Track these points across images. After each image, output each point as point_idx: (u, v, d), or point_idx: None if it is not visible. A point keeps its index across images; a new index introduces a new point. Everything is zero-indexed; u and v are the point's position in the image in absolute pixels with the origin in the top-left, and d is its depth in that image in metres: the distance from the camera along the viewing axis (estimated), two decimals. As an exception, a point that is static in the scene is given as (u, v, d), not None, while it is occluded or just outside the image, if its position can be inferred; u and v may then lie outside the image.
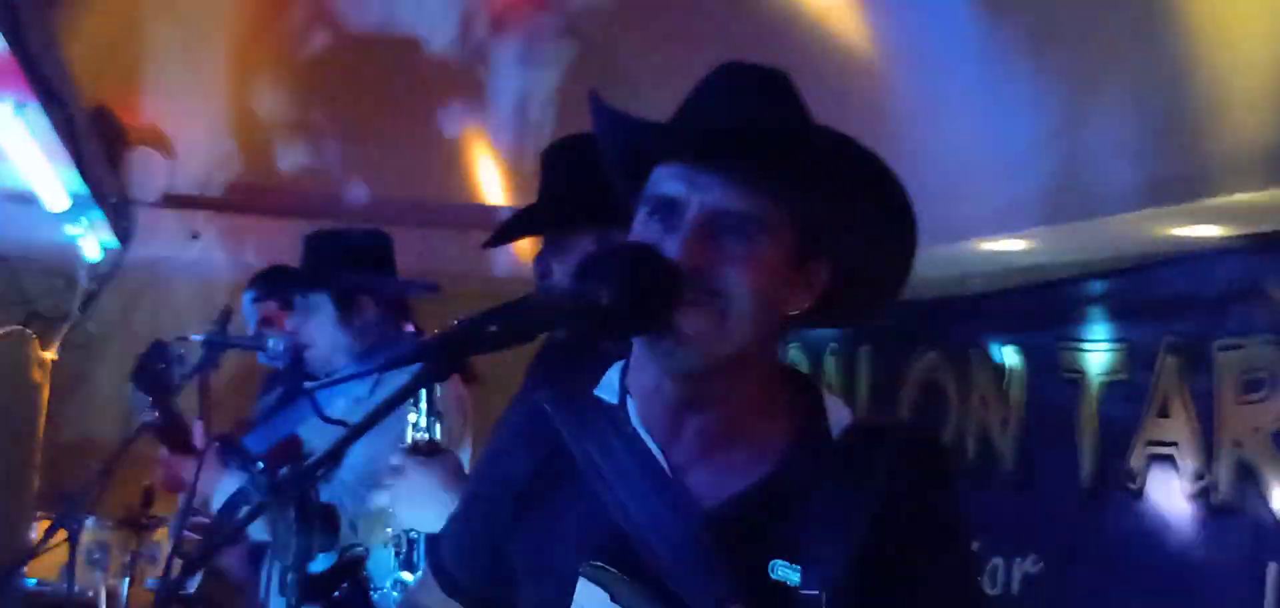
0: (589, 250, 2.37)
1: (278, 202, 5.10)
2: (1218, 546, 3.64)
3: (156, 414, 3.32)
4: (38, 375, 5.57)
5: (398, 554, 2.41)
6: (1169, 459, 3.85)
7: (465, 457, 2.94)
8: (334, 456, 1.42)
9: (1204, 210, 3.39)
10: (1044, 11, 3.49)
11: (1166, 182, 3.32)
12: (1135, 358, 4.02)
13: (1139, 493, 3.94)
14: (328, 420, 2.90)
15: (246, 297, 4.20)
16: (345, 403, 3.10)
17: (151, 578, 4.87)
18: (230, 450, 3.18)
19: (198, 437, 3.33)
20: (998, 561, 4.34)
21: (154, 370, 3.34)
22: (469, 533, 1.73)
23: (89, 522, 4.66)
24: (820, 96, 1.61)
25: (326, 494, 2.70)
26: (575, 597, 1.50)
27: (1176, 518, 3.81)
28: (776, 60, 1.58)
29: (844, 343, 4.90)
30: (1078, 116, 3.45)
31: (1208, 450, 3.70)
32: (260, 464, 2.80)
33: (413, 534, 2.38)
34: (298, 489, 1.71)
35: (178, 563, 3.22)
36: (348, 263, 3.29)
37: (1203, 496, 3.71)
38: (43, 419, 5.64)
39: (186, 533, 3.24)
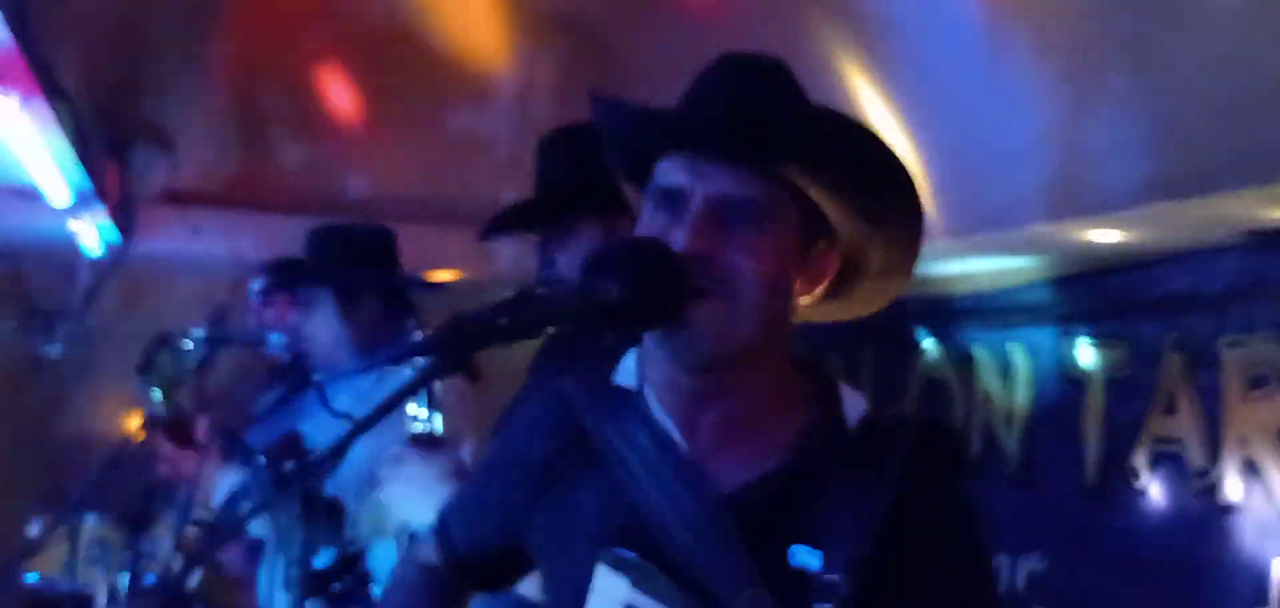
0: (592, 240, 2.37)
1: (280, 197, 5.10)
2: (1223, 542, 3.63)
3: (163, 407, 3.33)
4: (38, 371, 5.56)
5: (399, 549, 2.41)
6: (1174, 456, 3.84)
7: (466, 455, 2.92)
8: (340, 449, 1.41)
9: (1209, 206, 3.38)
10: (1047, 8, 3.48)
11: (1171, 177, 3.31)
12: (1140, 354, 4.01)
13: (1144, 490, 3.94)
14: (335, 414, 2.90)
15: (253, 287, 4.20)
16: (349, 398, 3.09)
17: (151, 574, 4.86)
18: (233, 445, 3.18)
19: (200, 431, 3.33)
20: (1002, 558, 4.33)
21: (161, 362, 3.35)
22: (480, 502, 1.75)
23: (90, 518, 4.66)
24: (820, 96, 1.60)
25: (329, 489, 2.69)
26: (594, 583, 1.50)
27: (1181, 515, 3.80)
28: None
29: (848, 341, 4.89)
30: (1081, 111, 3.44)
31: (1213, 447, 3.69)
32: (262, 459, 2.79)
33: (413, 529, 2.37)
34: (303, 484, 1.70)
35: (179, 559, 3.21)
36: (351, 259, 3.29)
37: (1208, 492, 3.70)
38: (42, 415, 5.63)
39: (188, 529, 3.24)
